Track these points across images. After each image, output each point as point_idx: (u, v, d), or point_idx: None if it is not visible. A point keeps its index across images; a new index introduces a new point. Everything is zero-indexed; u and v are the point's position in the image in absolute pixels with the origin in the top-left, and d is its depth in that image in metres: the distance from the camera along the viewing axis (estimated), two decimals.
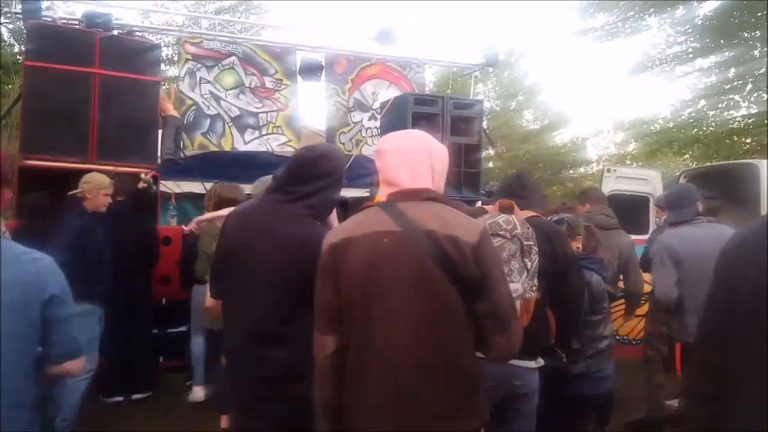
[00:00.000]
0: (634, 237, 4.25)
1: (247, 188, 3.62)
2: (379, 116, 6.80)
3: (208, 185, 4.73)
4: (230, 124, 6.67)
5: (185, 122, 6.28)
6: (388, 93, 7.19)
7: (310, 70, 6.98)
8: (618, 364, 2.98)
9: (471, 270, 1.43)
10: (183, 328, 4.81)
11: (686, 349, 3.26)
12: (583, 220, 3.69)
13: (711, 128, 12.37)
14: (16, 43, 12.67)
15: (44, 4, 5.62)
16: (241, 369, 1.84)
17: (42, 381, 1.69)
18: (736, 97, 11.64)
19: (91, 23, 5.39)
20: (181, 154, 6.03)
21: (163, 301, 4.93)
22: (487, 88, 18.32)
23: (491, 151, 14.20)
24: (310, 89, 7.31)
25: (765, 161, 5.90)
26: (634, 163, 14.86)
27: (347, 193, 5.55)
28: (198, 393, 4.41)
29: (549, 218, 3.02)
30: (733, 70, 11.40)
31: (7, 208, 3.66)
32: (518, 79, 17.96)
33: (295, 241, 1.75)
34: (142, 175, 4.54)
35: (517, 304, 1.99)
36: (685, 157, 14.38)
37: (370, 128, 7.37)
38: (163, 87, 6.31)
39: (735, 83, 11.47)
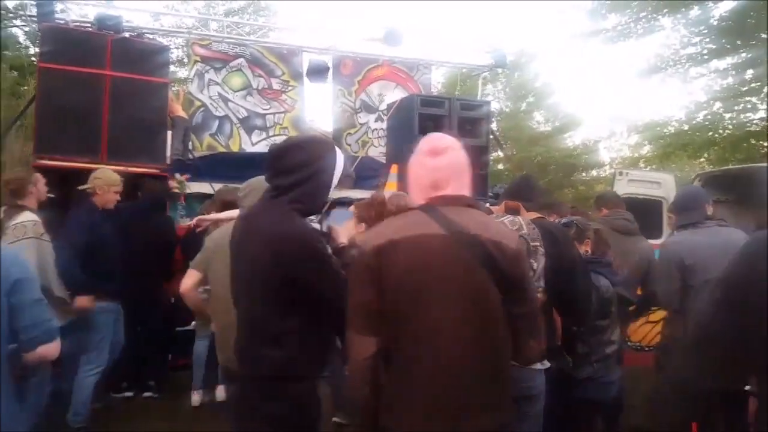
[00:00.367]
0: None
1: None
2: (385, 118, 6.79)
3: (216, 186, 4.76)
4: (238, 125, 6.71)
5: (194, 123, 6.33)
6: (394, 94, 7.19)
7: (317, 72, 6.99)
8: (630, 371, 2.92)
9: (513, 273, 1.48)
10: (191, 327, 4.83)
11: None
12: (602, 224, 3.66)
13: (727, 131, 12.17)
14: (31, 45, 12.86)
15: (58, 7, 5.69)
16: (241, 368, 1.83)
17: (19, 371, 1.69)
18: (753, 99, 11.44)
19: (103, 26, 5.46)
20: (190, 155, 6.08)
21: (172, 300, 4.95)
22: (497, 89, 18.25)
23: (500, 154, 14.11)
24: (317, 91, 7.34)
25: None
26: (648, 167, 14.70)
27: (354, 194, 5.55)
28: (195, 397, 4.40)
29: (558, 221, 3.00)
30: (750, 71, 11.19)
31: None
32: (528, 80, 17.83)
33: (276, 237, 1.72)
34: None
35: None
36: (701, 160, 14.19)
37: (376, 130, 7.37)
38: (172, 88, 6.36)
39: (752, 85, 11.26)
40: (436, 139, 1.65)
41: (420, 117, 5.56)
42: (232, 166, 6.16)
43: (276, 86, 6.91)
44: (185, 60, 9.40)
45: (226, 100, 6.65)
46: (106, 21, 5.50)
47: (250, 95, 6.77)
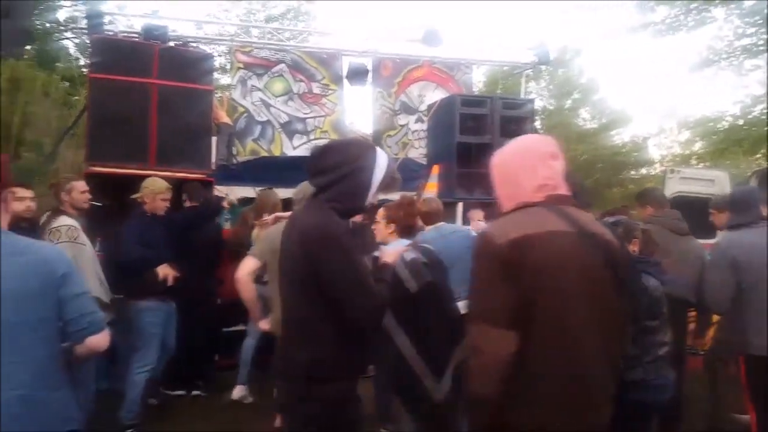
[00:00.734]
0: (700, 242, 4.01)
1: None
2: (425, 118, 6.75)
3: (259, 190, 4.87)
4: (279, 129, 6.81)
5: (237, 129, 6.46)
6: (435, 95, 7.12)
7: (357, 75, 7.02)
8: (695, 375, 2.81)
9: (625, 274, 1.57)
10: (238, 327, 4.94)
11: (749, 361, 3.03)
12: (656, 224, 3.55)
13: None
14: (81, 57, 13.45)
15: (106, 19, 5.92)
16: (276, 367, 1.87)
17: (72, 362, 1.75)
18: None
19: (149, 36, 5.65)
20: (234, 160, 6.21)
21: (218, 301, 5.08)
22: (540, 87, 17.89)
23: None
24: (357, 93, 7.36)
25: None
26: (701, 164, 14.10)
27: (395, 197, 5.52)
28: (237, 391, 4.51)
29: (605, 220, 2.93)
30: None
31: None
32: (573, 76, 17.43)
33: (305, 230, 1.74)
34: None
35: None
36: (757, 156, 13.49)
37: (416, 131, 7.33)
38: (216, 95, 6.52)
39: None
40: (551, 142, 1.69)
41: (461, 117, 5.49)
42: (274, 170, 6.28)
43: (316, 90, 6.98)
44: (228, 67, 9.62)
45: (268, 106, 6.77)
46: (152, 31, 5.69)
47: (291, 100, 6.87)
